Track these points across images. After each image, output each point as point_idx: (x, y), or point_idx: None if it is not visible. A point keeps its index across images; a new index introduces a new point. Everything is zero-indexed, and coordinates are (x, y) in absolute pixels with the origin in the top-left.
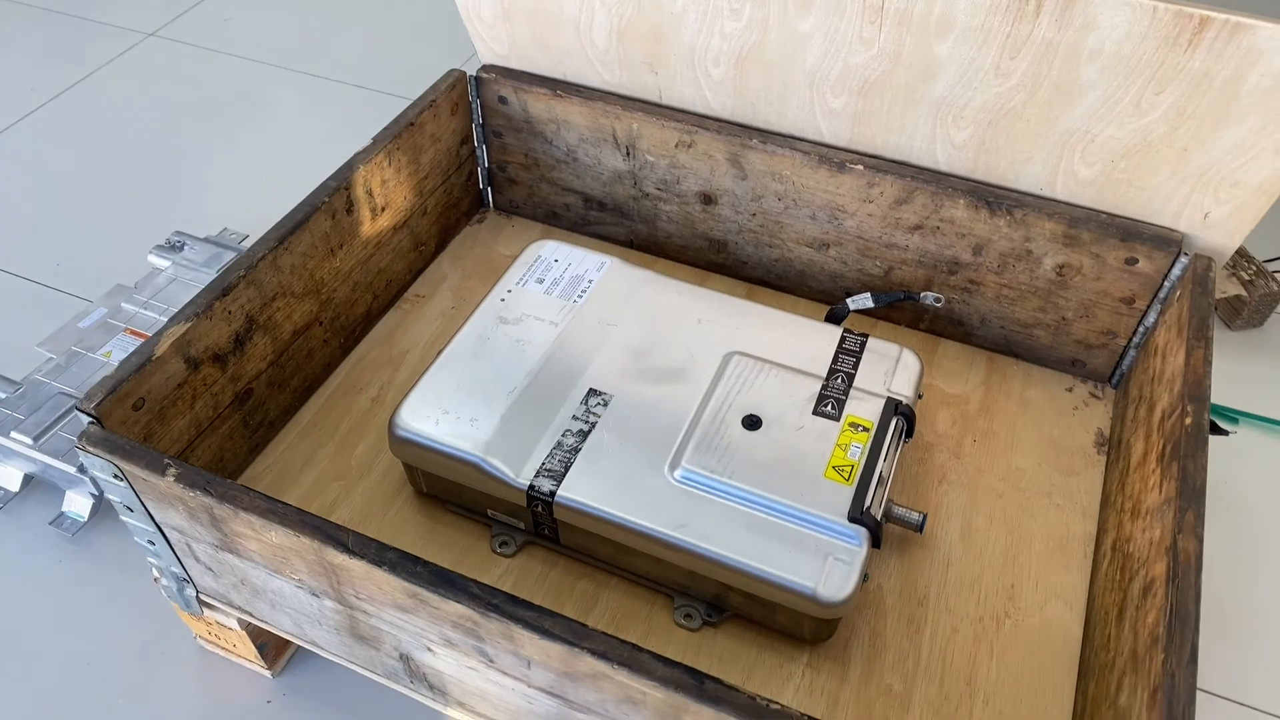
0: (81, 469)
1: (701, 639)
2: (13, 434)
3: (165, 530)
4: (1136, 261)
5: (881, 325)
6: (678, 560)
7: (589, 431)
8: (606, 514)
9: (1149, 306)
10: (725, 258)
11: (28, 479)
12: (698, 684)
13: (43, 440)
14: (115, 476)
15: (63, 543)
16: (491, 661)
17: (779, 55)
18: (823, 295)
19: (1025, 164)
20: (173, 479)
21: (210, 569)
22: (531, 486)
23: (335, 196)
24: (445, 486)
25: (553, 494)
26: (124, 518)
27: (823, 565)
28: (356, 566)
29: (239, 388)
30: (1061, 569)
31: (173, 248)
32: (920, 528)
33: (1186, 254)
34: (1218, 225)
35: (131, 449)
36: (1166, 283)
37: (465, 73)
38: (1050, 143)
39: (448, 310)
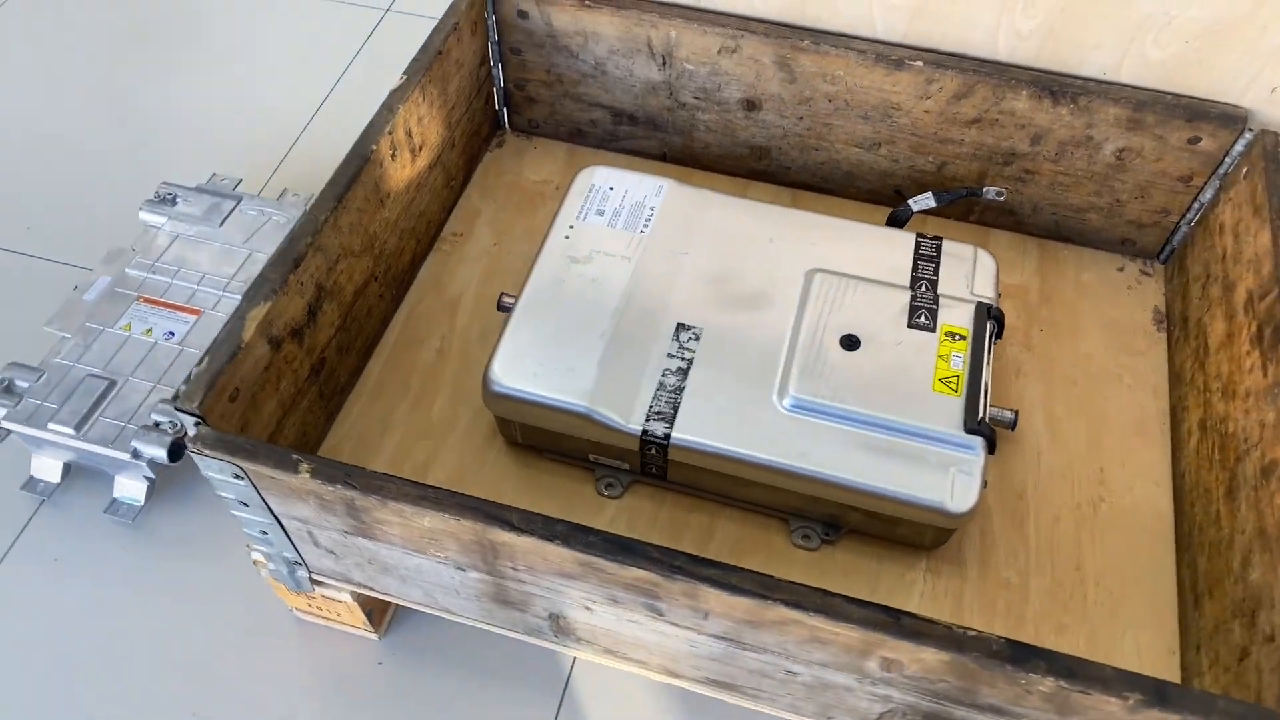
0: (136, 454)
1: (822, 557)
2: (50, 425)
3: (283, 520)
4: (1199, 140)
5: (931, 221)
6: (797, 487)
7: (688, 369)
8: (723, 450)
9: (1206, 183)
10: (767, 164)
11: (67, 468)
12: (894, 620)
13: (86, 429)
14: (235, 477)
15: (121, 529)
16: (661, 615)
17: None
18: (870, 195)
19: (1093, 49)
20: (308, 475)
21: (332, 552)
22: (645, 431)
23: (382, 143)
24: (546, 437)
25: (667, 436)
26: (235, 512)
27: (947, 478)
28: (523, 543)
29: (314, 359)
30: (1143, 448)
31: (164, 201)
32: (1013, 425)
33: (1251, 129)
34: None
35: (256, 449)
36: (1228, 159)
37: None
38: (1124, 26)
39: (490, 247)
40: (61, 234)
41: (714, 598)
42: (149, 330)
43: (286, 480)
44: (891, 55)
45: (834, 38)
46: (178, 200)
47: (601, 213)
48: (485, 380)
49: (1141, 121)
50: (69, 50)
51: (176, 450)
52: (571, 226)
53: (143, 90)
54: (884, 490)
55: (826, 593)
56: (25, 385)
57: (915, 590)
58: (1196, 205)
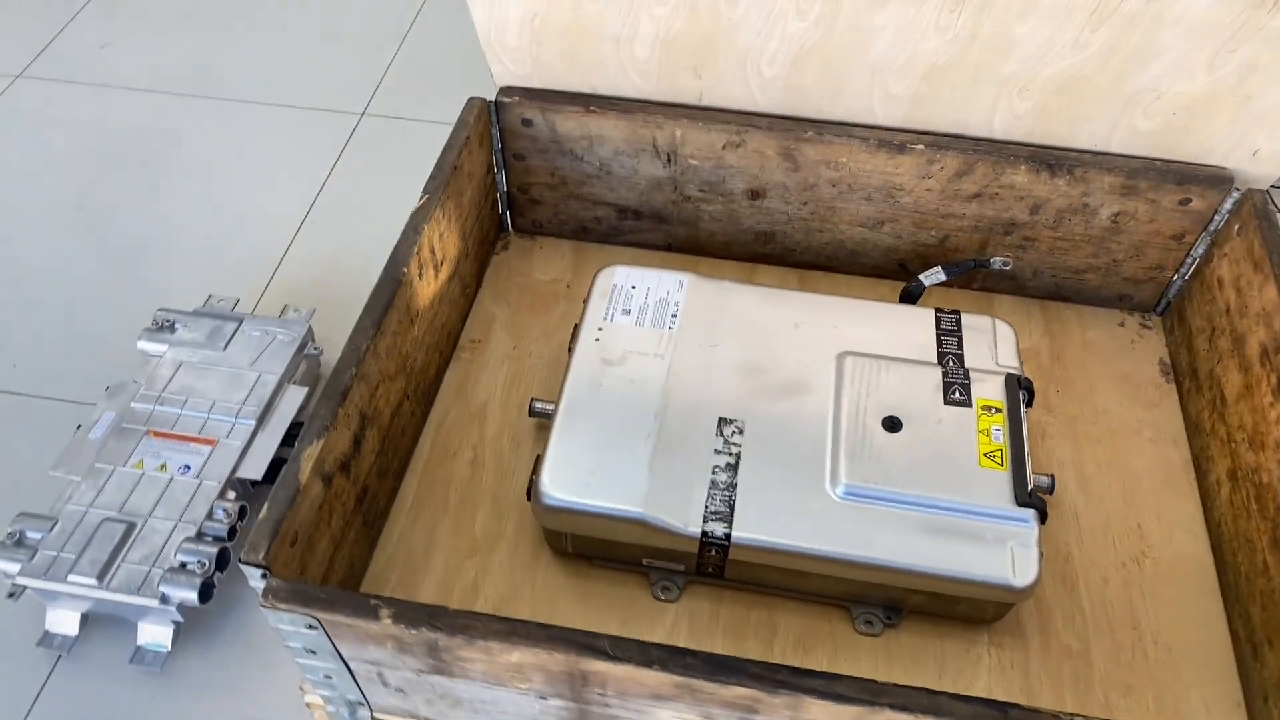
0: (164, 599)
1: (887, 642)
2: (71, 577)
3: (352, 664)
4: (1190, 201)
5: (936, 289)
6: (858, 575)
7: (737, 464)
8: (783, 546)
9: (1198, 239)
10: (773, 247)
11: (85, 619)
12: (1003, 714)
13: (109, 578)
14: (309, 627)
15: (148, 678)
16: None
17: (843, 49)
18: (875, 270)
19: (1085, 124)
20: (389, 621)
21: (400, 690)
22: (704, 533)
23: (411, 264)
24: (599, 545)
25: (728, 536)
26: (300, 660)
27: (1006, 554)
28: (619, 670)
29: (358, 489)
30: (1175, 499)
31: (162, 328)
32: (1051, 490)
33: (1238, 189)
34: (1266, 160)
35: (333, 598)
36: (1217, 216)
37: (486, 100)
38: (1115, 103)
39: (509, 351)
40: (54, 369)
41: (818, 708)
42: (163, 465)
43: (365, 627)
44: (894, 140)
45: (836, 127)
46: (177, 326)
47: (628, 312)
48: (536, 494)
49: (1135, 187)
50: (45, 177)
51: (207, 591)
52: (600, 329)
53: (124, 214)
54: (946, 573)
55: (931, 692)
56: (38, 536)
57: (983, 667)
58: (1190, 260)
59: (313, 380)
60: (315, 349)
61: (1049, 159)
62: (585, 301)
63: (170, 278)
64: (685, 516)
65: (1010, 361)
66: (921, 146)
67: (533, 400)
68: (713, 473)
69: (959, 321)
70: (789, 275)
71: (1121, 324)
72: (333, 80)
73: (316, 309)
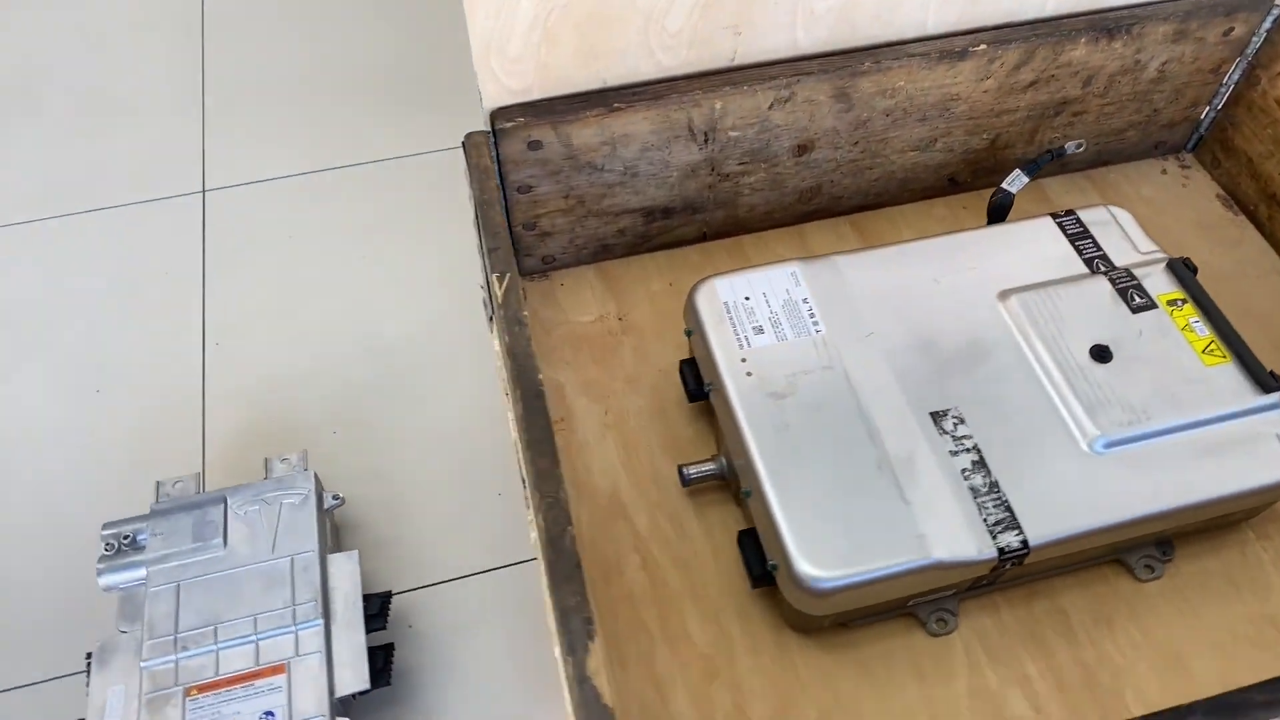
0: None
1: (1172, 580)
2: None
3: None
4: (1232, 30)
5: (973, 194)
6: (1137, 528)
7: (982, 459)
8: (1080, 530)
9: (1234, 67)
10: (819, 201)
11: None
12: None
13: None
14: None
15: None
16: None
17: None
18: (925, 193)
19: None
20: None
21: None
22: (1001, 550)
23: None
24: (868, 609)
25: (1025, 544)
26: None
27: (1274, 449)
28: None
29: None
30: None
31: (121, 549)
32: None
33: (1277, 5)
34: None
35: None
36: (1255, 39)
37: (484, 131)
38: None
39: (604, 419)
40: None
41: None
42: None
43: None
44: (954, 48)
45: (893, 49)
46: (140, 539)
47: (760, 329)
48: (792, 581)
49: (1186, 31)
50: None
51: None
52: (743, 359)
53: None
54: (1226, 493)
55: None
56: None
57: (1267, 565)
58: (1223, 89)
59: (336, 537)
60: (335, 498)
61: (1107, 24)
62: (694, 331)
63: (93, 481)
64: (973, 541)
65: (1149, 246)
66: (984, 46)
67: (681, 468)
68: (964, 477)
69: (1080, 221)
70: (839, 225)
71: (1164, 171)
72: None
73: (305, 451)
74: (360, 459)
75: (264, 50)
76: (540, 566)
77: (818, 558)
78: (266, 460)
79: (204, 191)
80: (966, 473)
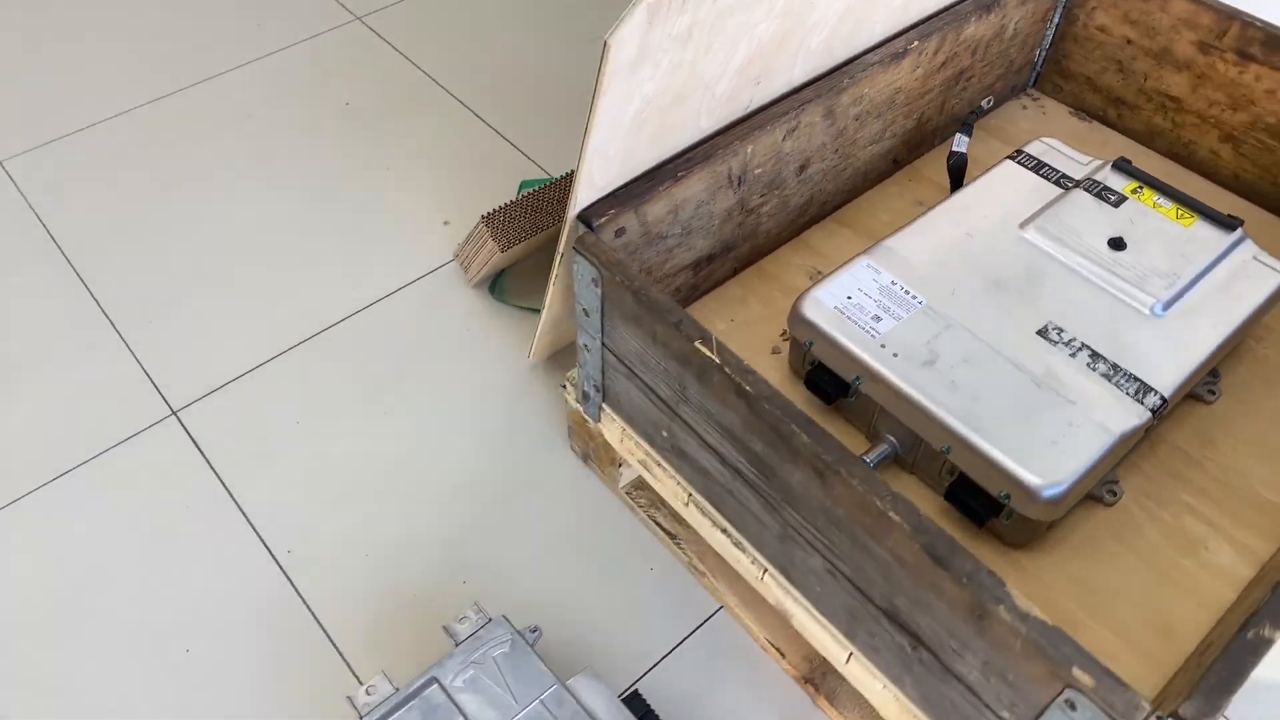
0: None
1: (1229, 396)
2: None
3: None
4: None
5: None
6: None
7: (1093, 350)
8: (1188, 373)
9: (1056, 12)
10: (812, 210)
11: None
12: None
13: None
14: None
15: None
16: None
17: None
18: (880, 177)
19: None
20: None
21: None
22: (1153, 410)
23: None
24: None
25: (1164, 399)
26: None
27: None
28: None
29: None
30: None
31: None
32: None
33: None
34: None
35: None
36: None
37: (589, 232)
38: None
39: None
40: None
41: None
42: None
43: None
44: (896, 49)
45: (857, 64)
46: None
47: (878, 317)
48: (1034, 500)
49: None
50: None
51: None
52: (882, 345)
53: None
54: (1251, 310)
55: None
56: None
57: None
58: (1048, 30)
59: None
60: (533, 630)
61: (985, 1)
62: (815, 342)
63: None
64: (1134, 411)
65: (1084, 158)
66: (916, 43)
67: (861, 458)
68: (1091, 369)
69: (1032, 155)
70: (829, 225)
71: (1024, 107)
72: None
73: (473, 598)
74: (504, 592)
75: (150, 251)
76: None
77: (1042, 471)
78: (446, 628)
79: (175, 413)
80: (1090, 365)
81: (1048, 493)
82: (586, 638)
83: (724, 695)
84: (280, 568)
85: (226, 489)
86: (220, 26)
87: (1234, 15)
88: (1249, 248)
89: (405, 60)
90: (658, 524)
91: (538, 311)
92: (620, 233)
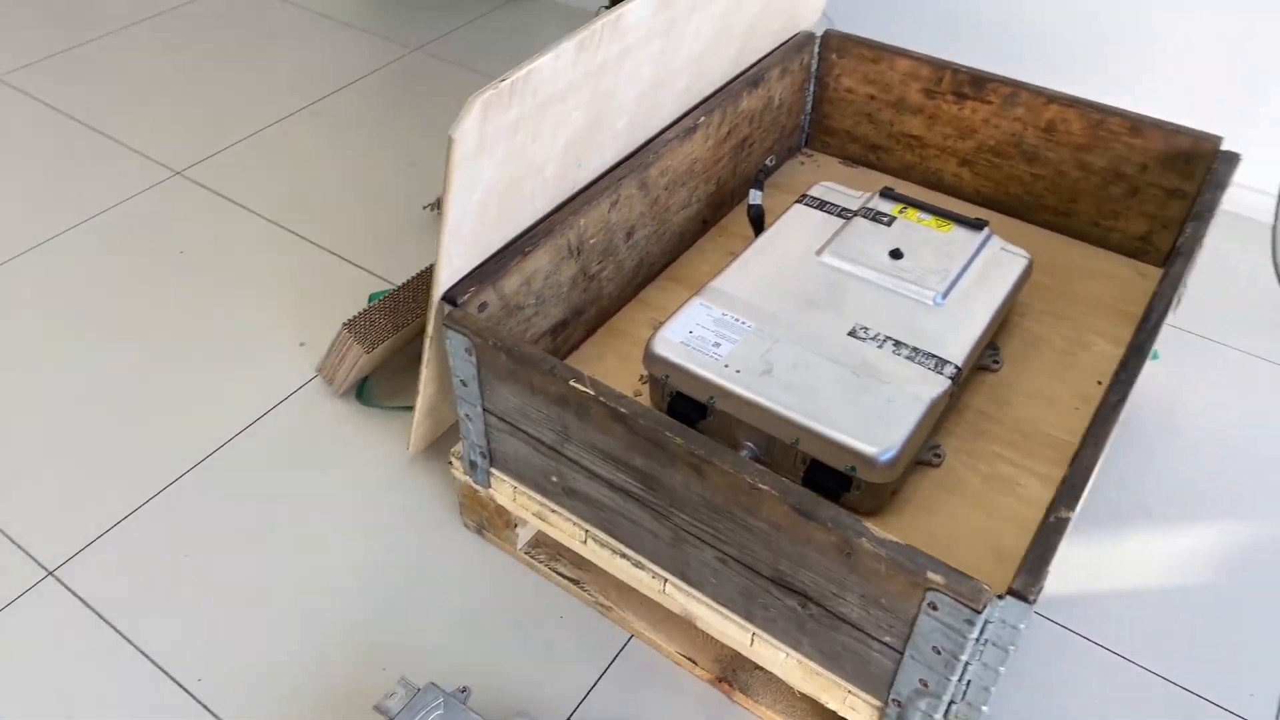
0: None
1: (1008, 365)
2: None
3: None
4: (805, 60)
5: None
6: (991, 329)
7: (896, 340)
8: (971, 346)
9: (810, 81)
10: (643, 272)
11: None
12: None
13: None
14: None
15: None
16: None
17: (657, 73)
18: (694, 238)
19: (758, 50)
20: None
21: None
22: (952, 379)
23: None
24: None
25: (959, 368)
26: None
27: (1014, 252)
28: None
29: None
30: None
31: None
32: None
33: (818, 37)
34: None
35: None
36: (813, 61)
37: (456, 314)
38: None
39: None
40: None
41: None
42: None
43: None
44: (688, 125)
45: (659, 140)
46: None
47: (718, 344)
48: (874, 466)
49: (786, 69)
50: None
51: None
52: (725, 365)
53: None
54: (1007, 292)
55: None
56: None
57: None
58: (808, 97)
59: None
60: (462, 689)
61: (753, 78)
62: (670, 375)
63: None
64: (937, 381)
65: (856, 193)
66: (703, 118)
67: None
68: (896, 352)
69: (815, 197)
70: (661, 283)
71: (802, 163)
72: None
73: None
74: (425, 669)
75: None
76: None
77: (876, 441)
78: (378, 706)
79: (51, 572)
80: (895, 351)
81: (884, 457)
82: (512, 691)
83: (649, 714)
84: (194, 698)
85: (121, 634)
86: (41, 197)
87: (945, 65)
88: (996, 241)
89: (233, 205)
90: (560, 574)
91: (408, 409)
92: (483, 307)
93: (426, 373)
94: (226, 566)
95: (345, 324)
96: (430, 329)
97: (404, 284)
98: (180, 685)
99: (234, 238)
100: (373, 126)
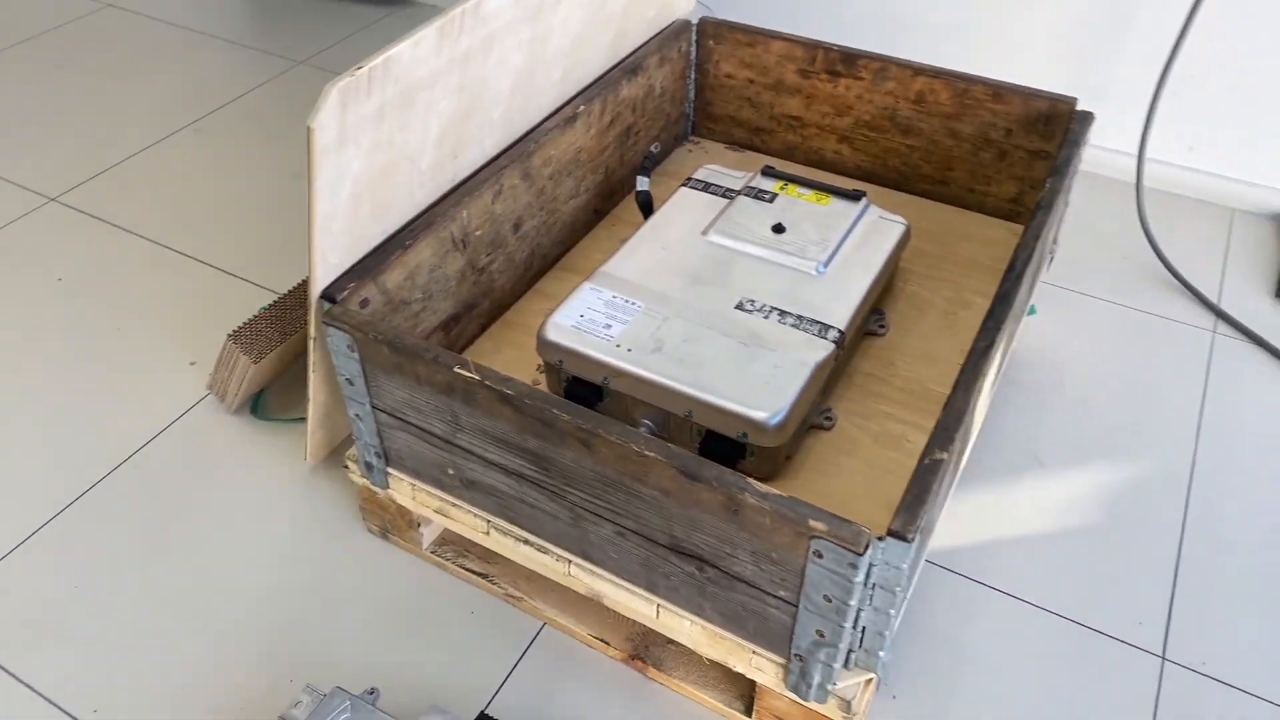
0: None
1: (894, 334)
2: None
3: None
4: (683, 48)
5: (615, 210)
6: (873, 294)
7: (781, 310)
8: (854, 309)
9: (691, 69)
10: (536, 263)
11: None
12: None
13: None
14: None
15: None
16: None
17: (529, 62)
18: (586, 226)
19: (633, 39)
20: None
21: None
22: (836, 342)
23: None
24: (799, 429)
25: (842, 332)
26: None
27: (885, 223)
28: None
29: None
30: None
31: None
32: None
33: (694, 25)
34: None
35: None
36: (692, 49)
37: (336, 313)
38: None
39: None
40: None
41: None
42: None
43: None
44: (569, 114)
45: (540, 130)
46: None
47: (609, 326)
48: (765, 430)
49: (665, 58)
50: None
51: None
52: (618, 345)
53: None
54: (889, 254)
55: None
56: None
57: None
58: (689, 85)
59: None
60: (370, 691)
61: (630, 66)
62: (565, 359)
63: None
64: (821, 346)
65: (739, 173)
66: (583, 107)
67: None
68: (783, 322)
69: (701, 180)
70: (556, 273)
71: (690, 150)
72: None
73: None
74: (334, 676)
75: None
76: None
77: (764, 406)
78: (283, 717)
79: None
80: (781, 320)
81: (773, 421)
82: (425, 689)
83: (565, 699)
84: None
85: (9, 672)
86: None
87: (816, 45)
88: (874, 211)
89: (114, 228)
90: (468, 570)
91: (304, 420)
92: (365, 304)
93: (315, 377)
94: (123, 593)
95: (230, 335)
96: (313, 330)
97: (290, 291)
98: (74, 719)
99: (116, 261)
100: (258, 142)
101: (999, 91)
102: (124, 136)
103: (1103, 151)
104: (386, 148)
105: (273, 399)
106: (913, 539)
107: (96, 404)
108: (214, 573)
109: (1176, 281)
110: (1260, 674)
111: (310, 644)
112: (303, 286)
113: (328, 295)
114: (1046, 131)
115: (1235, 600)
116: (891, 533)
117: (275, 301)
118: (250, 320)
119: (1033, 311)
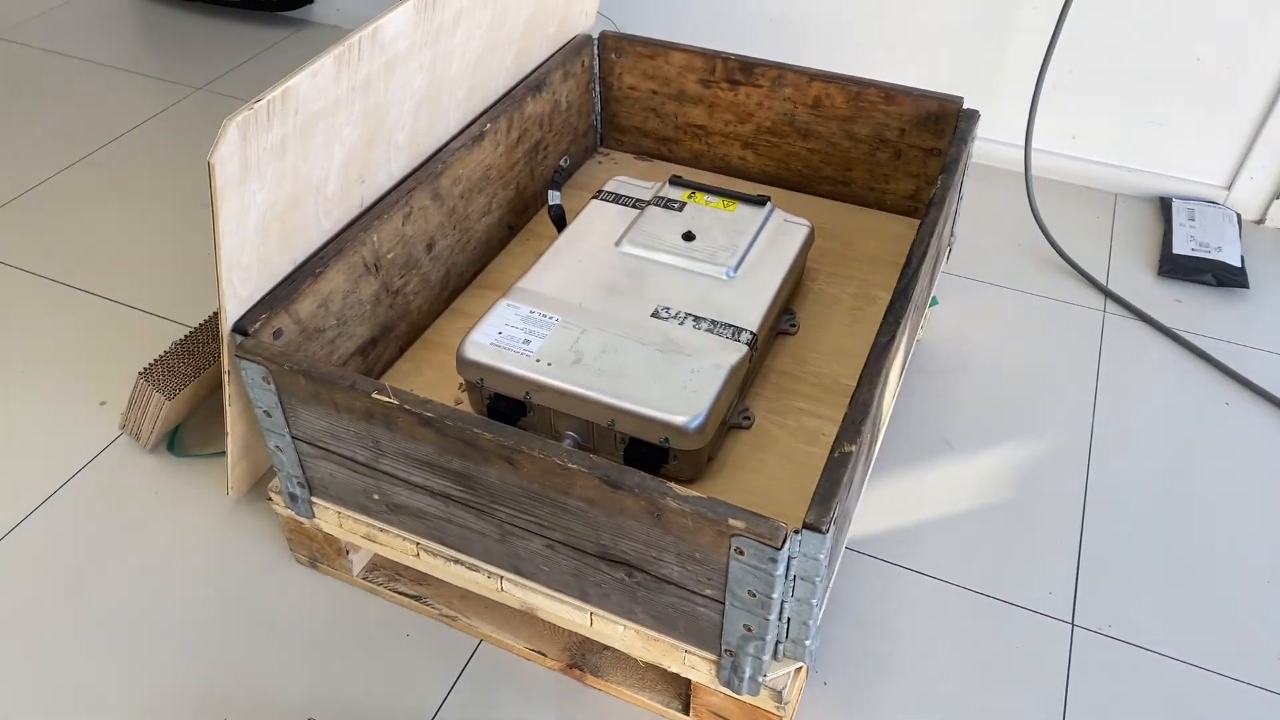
0: None
1: (802, 335)
2: None
3: None
4: (585, 62)
5: (528, 225)
6: (782, 294)
7: (696, 316)
8: (765, 309)
9: (594, 82)
10: (452, 283)
11: None
12: None
13: None
14: None
15: None
16: None
17: (432, 84)
18: (500, 244)
19: (535, 55)
20: None
21: None
22: (749, 345)
23: None
24: (718, 430)
25: (754, 334)
26: None
27: (781, 217)
28: None
29: None
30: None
31: None
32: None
33: (595, 40)
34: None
35: None
36: (594, 62)
37: (243, 352)
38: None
39: None
40: None
41: None
42: None
43: None
44: (476, 133)
45: (446, 151)
46: None
47: (528, 341)
48: (686, 434)
49: (569, 72)
50: None
51: None
52: (538, 360)
53: None
54: (795, 255)
55: None
56: None
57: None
58: (595, 98)
59: None
60: None
61: (534, 83)
62: (485, 378)
63: None
64: (735, 348)
65: (648, 184)
66: (489, 125)
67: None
68: (698, 328)
69: (611, 192)
70: (473, 290)
71: (600, 162)
72: None
73: None
74: (270, 711)
75: None
76: None
77: (683, 410)
78: None
79: None
80: (695, 326)
81: (692, 425)
82: (364, 716)
83: (505, 713)
84: None
85: None
86: None
87: (715, 55)
88: (779, 215)
89: (7, 267)
90: (401, 593)
91: (224, 454)
92: (278, 334)
93: (232, 411)
94: (35, 650)
95: (141, 373)
96: (227, 364)
97: (201, 324)
98: None
99: (15, 303)
100: (158, 171)
101: (890, 94)
102: (11, 173)
103: (995, 145)
104: (291, 177)
105: (190, 435)
106: (827, 530)
107: (4, 449)
108: (140, 614)
109: (1067, 265)
110: (1162, 633)
111: (244, 679)
112: (214, 319)
113: (239, 328)
114: (938, 130)
115: (1136, 565)
116: (806, 526)
117: (186, 335)
118: (161, 356)
119: (934, 303)
